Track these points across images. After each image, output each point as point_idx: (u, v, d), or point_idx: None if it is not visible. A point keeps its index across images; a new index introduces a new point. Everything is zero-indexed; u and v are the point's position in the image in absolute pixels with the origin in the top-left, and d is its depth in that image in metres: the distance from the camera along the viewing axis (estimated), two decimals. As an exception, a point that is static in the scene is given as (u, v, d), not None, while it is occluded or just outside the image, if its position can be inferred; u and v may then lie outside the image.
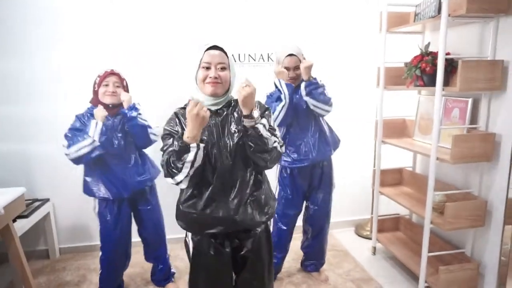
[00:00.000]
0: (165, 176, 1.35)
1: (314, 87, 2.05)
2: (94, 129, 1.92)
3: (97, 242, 2.19)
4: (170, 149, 1.32)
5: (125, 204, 2.13)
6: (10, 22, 2.52)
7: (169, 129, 1.41)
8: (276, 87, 2.10)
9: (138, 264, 2.58)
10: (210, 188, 1.38)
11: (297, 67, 2.09)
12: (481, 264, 2.12)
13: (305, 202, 2.35)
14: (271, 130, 1.39)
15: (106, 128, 1.94)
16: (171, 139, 1.36)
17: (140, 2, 2.65)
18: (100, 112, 1.95)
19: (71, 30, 2.60)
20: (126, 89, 2.09)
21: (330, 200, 2.34)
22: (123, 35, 2.66)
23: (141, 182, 2.09)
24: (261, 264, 1.51)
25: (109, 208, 2.09)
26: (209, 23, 2.73)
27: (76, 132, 1.98)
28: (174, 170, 1.30)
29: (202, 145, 1.29)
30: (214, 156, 1.37)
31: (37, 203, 2.62)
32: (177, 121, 1.42)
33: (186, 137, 1.27)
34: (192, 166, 1.29)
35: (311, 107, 2.10)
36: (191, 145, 1.27)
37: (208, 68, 1.38)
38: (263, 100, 2.12)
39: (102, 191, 2.04)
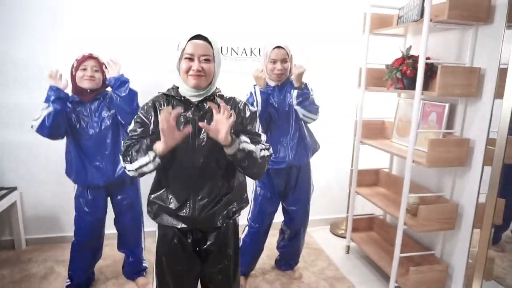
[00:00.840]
0: (122, 158, 1.34)
1: (306, 97, 2.01)
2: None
3: (67, 233, 2.12)
4: (134, 139, 1.34)
5: (102, 192, 2.06)
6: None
7: (142, 116, 1.37)
8: (251, 93, 2.08)
9: (110, 257, 2.51)
10: (178, 184, 1.36)
11: (284, 60, 2.04)
12: (449, 265, 2.17)
13: (282, 203, 2.33)
14: (255, 138, 1.38)
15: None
16: (141, 128, 1.36)
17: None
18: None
19: (59, 17, 2.48)
20: (105, 74, 2.00)
21: (308, 202, 2.32)
22: (118, 25, 2.58)
23: (117, 172, 2.02)
24: (225, 258, 1.49)
25: (84, 194, 2.04)
26: (194, 15, 2.67)
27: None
28: (128, 158, 1.31)
29: (158, 161, 1.28)
30: (186, 153, 1.33)
31: (3, 192, 2.50)
32: (152, 110, 1.37)
33: (159, 149, 1.25)
34: (141, 168, 1.29)
35: (301, 116, 2.09)
36: (152, 156, 1.27)
37: (191, 59, 1.31)
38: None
39: (76, 176, 1.99)
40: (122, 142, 1.37)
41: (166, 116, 1.17)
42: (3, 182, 2.59)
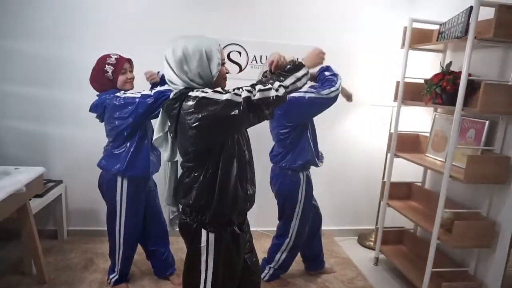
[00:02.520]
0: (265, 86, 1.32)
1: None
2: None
3: (105, 227, 2.22)
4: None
5: (144, 183, 2.17)
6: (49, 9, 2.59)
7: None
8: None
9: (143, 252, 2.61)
10: (242, 178, 1.40)
11: None
12: (483, 284, 2.15)
13: None
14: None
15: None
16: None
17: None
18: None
19: (103, 19, 2.66)
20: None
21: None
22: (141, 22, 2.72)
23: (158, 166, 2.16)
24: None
25: (138, 190, 2.12)
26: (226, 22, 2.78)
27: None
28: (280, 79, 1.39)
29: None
30: (241, 148, 1.40)
31: (50, 184, 2.67)
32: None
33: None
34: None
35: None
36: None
37: (223, 64, 1.40)
38: None
39: (144, 170, 2.07)
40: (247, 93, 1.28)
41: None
42: (50, 174, 2.77)
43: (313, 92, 2.01)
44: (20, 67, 2.64)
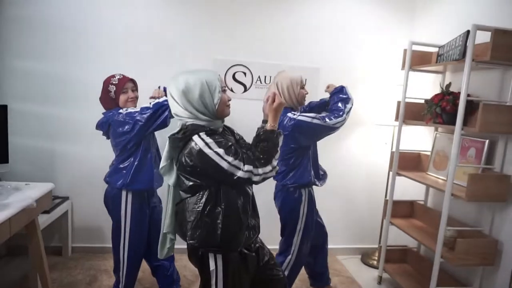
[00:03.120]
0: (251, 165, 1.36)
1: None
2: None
3: (109, 244, 2.24)
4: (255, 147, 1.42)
5: (148, 199, 2.19)
6: (52, 27, 2.69)
7: (224, 140, 1.38)
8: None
9: (147, 269, 2.62)
10: (246, 201, 1.48)
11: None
12: (488, 303, 2.15)
13: None
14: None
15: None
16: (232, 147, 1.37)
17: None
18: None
19: (105, 37, 2.76)
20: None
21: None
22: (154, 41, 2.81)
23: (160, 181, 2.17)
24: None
25: (143, 206, 2.15)
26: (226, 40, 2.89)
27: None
28: (261, 161, 1.38)
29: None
30: None
31: (57, 200, 2.70)
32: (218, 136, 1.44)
33: (271, 126, 1.44)
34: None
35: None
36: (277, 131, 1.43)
37: (224, 91, 1.47)
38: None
39: (148, 183, 2.10)
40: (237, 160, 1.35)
41: (273, 93, 1.47)
42: (57, 191, 2.80)
43: (319, 120, 2.06)
44: (27, 85, 2.71)
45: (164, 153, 1.48)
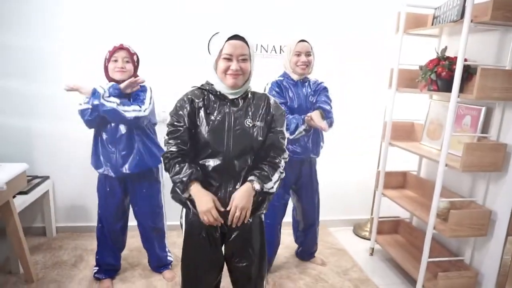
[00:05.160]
0: (164, 164, 1.43)
1: (331, 120, 2.13)
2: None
3: (95, 223, 2.18)
4: (175, 151, 1.38)
5: (118, 183, 2.11)
6: None
7: (175, 122, 1.39)
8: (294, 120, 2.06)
9: (136, 248, 2.56)
10: (211, 177, 1.40)
11: (308, 53, 2.12)
12: (479, 273, 2.12)
13: (295, 196, 2.39)
14: (277, 153, 1.46)
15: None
16: (179, 123, 1.39)
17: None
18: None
19: (79, 5, 2.55)
20: (136, 64, 2.04)
21: (318, 193, 2.42)
22: (132, 10, 2.62)
23: (130, 166, 2.02)
24: (251, 254, 1.51)
25: (104, 182, 2.12)
26: (222, 12, 2.69)
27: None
28: (169, 170, 1.40)
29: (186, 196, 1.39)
30: (221, 146, 1.37)
31: (37, 180, 2.59)
32: (188, 104, 1.39)
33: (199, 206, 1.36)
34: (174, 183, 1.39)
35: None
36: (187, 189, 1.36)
37: (229, 60, 1.34)
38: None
39: (96, 163, 2.07)
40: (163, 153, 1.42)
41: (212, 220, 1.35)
42: (36, 171, 2.68)
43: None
44: (1, 60, 2.53)
45: None
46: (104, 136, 2.01)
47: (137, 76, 2.03)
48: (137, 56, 2.04)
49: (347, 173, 3.15)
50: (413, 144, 2.52)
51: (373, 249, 2.75)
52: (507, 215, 1.95)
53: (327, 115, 2.08)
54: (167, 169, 1.40)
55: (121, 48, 1.96)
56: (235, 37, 1.34)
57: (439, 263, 2.26)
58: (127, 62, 1.98)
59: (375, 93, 2.98)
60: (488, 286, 2.07)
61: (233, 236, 1.48)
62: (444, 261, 2.25)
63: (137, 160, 2.02)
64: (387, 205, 2.77)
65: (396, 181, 2.74)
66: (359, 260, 2.65)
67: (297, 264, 2.53)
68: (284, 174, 1.47)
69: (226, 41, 1.33)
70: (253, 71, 1.43)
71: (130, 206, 2.22)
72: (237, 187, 1.40)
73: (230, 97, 1.41)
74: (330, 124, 2.11)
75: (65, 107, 2.53)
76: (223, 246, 1.53)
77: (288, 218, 2.50)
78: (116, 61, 1.95)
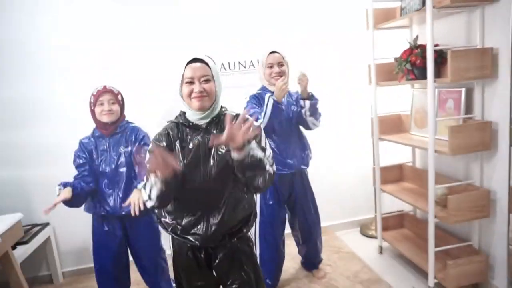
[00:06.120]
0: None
1: (316, 107, 2.13)
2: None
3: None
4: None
5: (117, 223, 2.06)
6: (11, 47, 2.54)
7: (154, 145, 1.39)
8: (264, 100, 2.08)
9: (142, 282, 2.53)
10: (191, 204, 1.39)
11: (280, 64, 2.13)
12: (490, 255, 2.08)
13: (289, 211, 2.34)
14: (262, 149, 1.35)
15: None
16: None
17: (132, 13, 2.66)
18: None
19: (65, 53, 2.61)
20: (122, 103, 2.03)
21: (315, 203, 2.37)
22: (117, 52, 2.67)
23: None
24: (242, 274, 1.47)
25: (100, 225, 2.08)
26: (199, 33, 2.73)
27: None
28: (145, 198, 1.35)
29: (159, 186, 1.27)
30: (197, 176, 1.36)
31: (36, 228, 2.59)
32: (164, 138, 1.39)
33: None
34: (150, 192, 1.31)
35: (310, 124, 2.17)
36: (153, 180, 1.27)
37: (191, 83, 1.35)
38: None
39: (88, 206, 2.07)
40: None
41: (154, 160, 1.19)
42: (35, 219, 2.68)
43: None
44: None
45: None
46: (103, 179, 1.99)
47: (124, 116, 2.05)
48: (121, 96, 2.03)
49: (346, 174, 3.13)
50: (403, 135, 2.51)
51: (381, 247, 2.71)
52: (505, 192, 1.93)
53: (313, 98, 2.13)
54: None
55: (105, 91, 1.95)
56: (194, 60, 1.36)
57: (448, 251, 2.21)
58: (113, 103, 1.96)
59: (360, 90, 2.98)
60: (500, 268, 2.02)
61: (219, 257, 1.46)
62: (453, 248, 2.20)
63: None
64: (390, 199, 2.74)
65: (393, 174, 2.72)
66: (369, 260, 2.60)
67: (306, 274, 2.49)
68: (272, 170, 1.36)
69: (186, 65, 1.35)
70: (220, 93, 1.42)
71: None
72: (219, 216, 1.38)
73: (201, 123, 1.39)
74: (315, 110, 2.13)
75: (57, 154, 2.56)
76: (213, 270, 1.50)
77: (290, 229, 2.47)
78: (102, 104, 1.94)
